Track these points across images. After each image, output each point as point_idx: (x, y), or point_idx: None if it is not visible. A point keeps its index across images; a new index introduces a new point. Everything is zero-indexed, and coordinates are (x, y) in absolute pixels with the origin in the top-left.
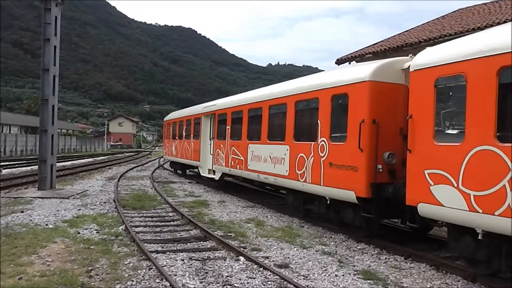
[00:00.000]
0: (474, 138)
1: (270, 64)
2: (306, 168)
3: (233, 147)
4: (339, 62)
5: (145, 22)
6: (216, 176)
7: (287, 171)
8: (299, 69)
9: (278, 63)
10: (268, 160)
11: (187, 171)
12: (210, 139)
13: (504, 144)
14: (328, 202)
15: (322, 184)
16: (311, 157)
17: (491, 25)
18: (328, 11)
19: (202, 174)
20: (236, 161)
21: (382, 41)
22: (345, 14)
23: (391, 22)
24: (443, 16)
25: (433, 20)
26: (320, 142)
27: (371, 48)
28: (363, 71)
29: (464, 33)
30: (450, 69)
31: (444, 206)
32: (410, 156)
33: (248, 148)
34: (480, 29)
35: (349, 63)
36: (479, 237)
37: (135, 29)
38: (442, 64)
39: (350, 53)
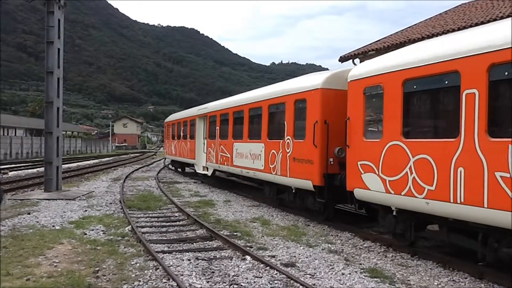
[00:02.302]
0: (388, 135)
1: (273, 63)
2: (276, 162)
3: (221, 146)
4: (343, 59)
5: (147, 23)
6: (209, 173)
7: (262, 165)
8: (302, 67)
9: (281, 62)
10: (248, 157)
11: (186, 168)
12: (203, 139)
13: (407, 139)
14: (293, 191)
15: (288, 176)
16: (280, 153)
17: (494, 20)
18: (330, 8)
19: (197, 171)
20: (224, 158)
21: (385, 37)
22: (346, 11)
23: (393, 18)
24: (445, 11)
25: (436, 15)
26: (287, 140)
27: (374, 45)
28: (317, 79)
29: (467, 27)
30: (373, 80)
31: (370, 190)
32: (348, 151)
33: (233, 146)
34: (483, 23)
35: (353, 61)
36: (394, 213)
37: (137, 30)
38: (368, 76)
39: (353, 51)
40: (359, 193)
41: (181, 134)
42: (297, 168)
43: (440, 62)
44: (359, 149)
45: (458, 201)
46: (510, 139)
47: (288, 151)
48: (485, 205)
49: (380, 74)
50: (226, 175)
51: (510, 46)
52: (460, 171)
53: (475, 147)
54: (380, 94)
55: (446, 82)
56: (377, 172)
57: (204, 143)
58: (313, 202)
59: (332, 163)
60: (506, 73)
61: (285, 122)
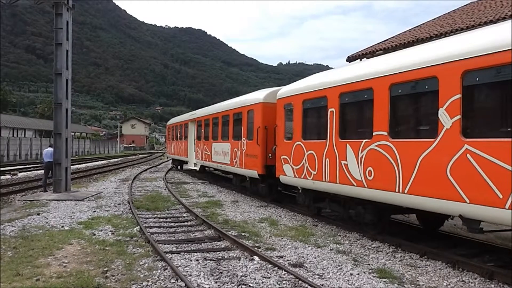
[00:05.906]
0: (295, 137)
1: (280, 63)
2: (237, 157)
3: (205, 145)
4: (350, 59)
5: (155, 25)
6: (197, 168)
7: (229, 160)
8: (310, 68)
9: (289, 62)
10: (221, 154)
11: (183, 165)
12: (194, 140)
13: (304, 140)
14: (248, 180)
15: (244, 168)
16: (239, 150)
17: (504, 18)
18: (335, 8)
19: (189, 167)
20: (206, 156)
21: (393, 37)
22: (352, 11)
23: (399, 17)
24: (454, 10)
25: (444, 14)
26: (243, 140)
27: (381, 44)
28: (260, 95)
29: (476, 26)
30: (288, 99)
31: (287, 176)
32: (277, 149)
33: (212, 146)
34: (492, 22)
35: (360, 60)
36: (300, 191)
37: (145, 32)
38: (286, 96)
39: (361, 50)
40: (282, 178)
41: (178, 136)
42: (249, 162)
43: (318, 89)
44: (282, 147)
45: (326, 180)
46: (347, 140)
47: (243, 148)
48: (338, 182)
49: (291, 95)
50: (208, 169)
51: (347, 82)
52: (327, 160)
53: (333, 145)
54: (291, 109)
55: (322, 103)
56: (290, 163)
57: (194, 143)
58: (261, 187)
59: (271, 157)
60: (347, 99)
61: (242, 127)
